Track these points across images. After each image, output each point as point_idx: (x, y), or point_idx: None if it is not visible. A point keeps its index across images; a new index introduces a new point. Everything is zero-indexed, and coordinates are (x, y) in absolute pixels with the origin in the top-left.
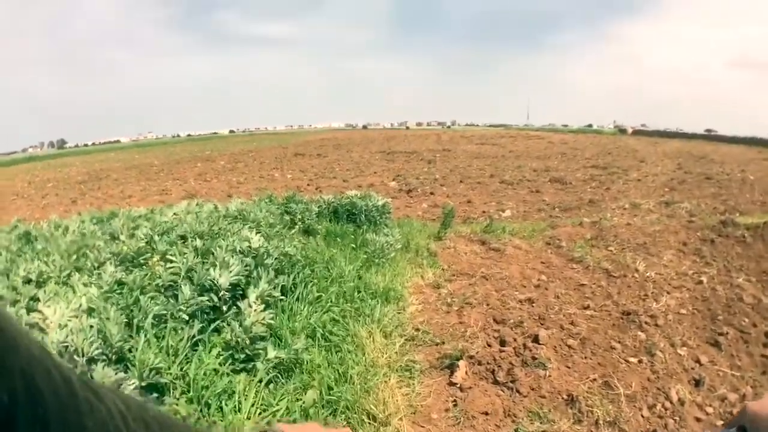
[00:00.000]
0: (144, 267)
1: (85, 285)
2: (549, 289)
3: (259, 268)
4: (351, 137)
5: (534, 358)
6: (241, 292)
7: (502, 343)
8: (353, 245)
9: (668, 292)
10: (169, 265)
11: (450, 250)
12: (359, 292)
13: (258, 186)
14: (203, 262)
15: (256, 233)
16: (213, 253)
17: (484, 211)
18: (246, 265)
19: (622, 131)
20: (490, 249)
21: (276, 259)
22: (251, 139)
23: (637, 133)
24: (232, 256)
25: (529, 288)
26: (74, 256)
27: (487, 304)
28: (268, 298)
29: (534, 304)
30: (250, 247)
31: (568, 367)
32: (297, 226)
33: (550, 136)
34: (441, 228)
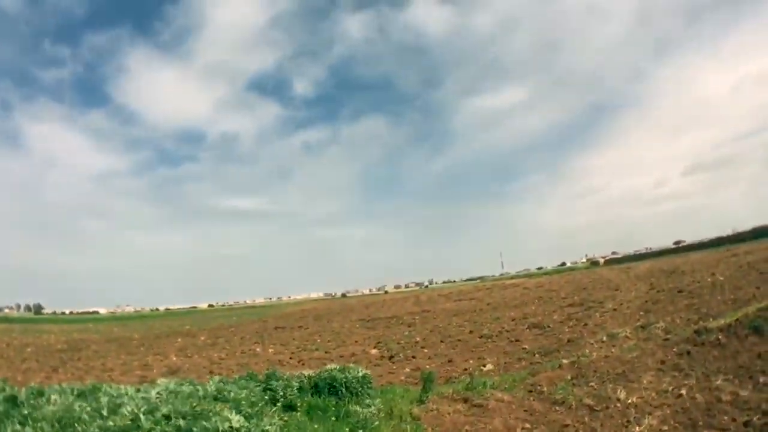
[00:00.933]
0: None
1: None
2: None
3: None
4: (330, 307)
5: None
6: None
7: None
8: (335, 417)
9: (650, 413)
10: None
11: (433, 412)
12: None
13: (240, 362)
14: None
15: (237, 413)
16: None
17: (465, 369)
18: None
19: (594, 263)
20: (472, 406)
21: None
22: (231, 312)
23: (609, 262)
24: None
25: None
26: (59, 427)
27: None
28: None
29: None
30: (231, 427)
31: None
32: (279, 402)
33: (525, 281)
34: (422, 392)
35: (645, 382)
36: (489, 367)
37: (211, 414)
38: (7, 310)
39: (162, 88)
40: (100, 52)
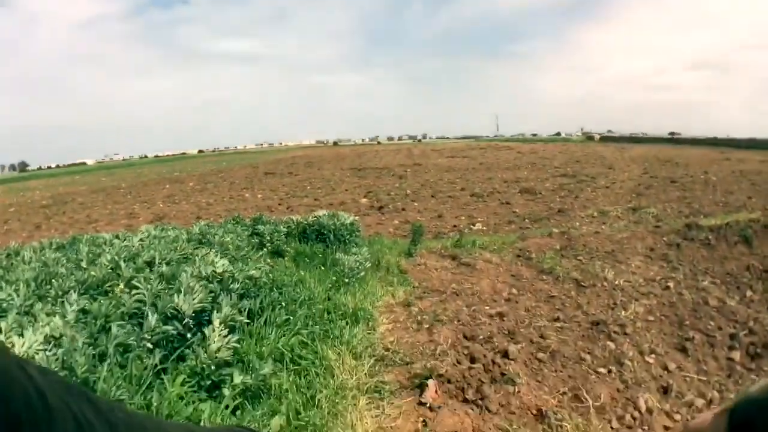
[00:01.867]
0: (109, 295)
1: (48, 314)
2: (519, 302)
3: (224, 293)
4: (322, 154)
5: (503, 374)
6: (207, 318)
7: (472, 359)
8: (323, 265)
9: (636, 300)
10: (134, 292)
11: (421, 266)
12: (329, 313)
13: (228, 207)
14: (169, 288)
15: (222, 257)
16: (178, 279)
17: (455, 226)
18: (211, 291)
19: (590, 138)
20: (460, 264)
21: (241, 283)
22: (220, 158)
23: (604, 139)
24: (198, 282)
25: (499, 302)
26: (36, 285)
27: (458, 320)
28: (233, 323)
29: (504, 319)
30: (215, 272)
31: (538, 382)
32: (266, 248)
33: (519, 146)
34: (411, 245)
35: (633, 266)
36: (478, 226)
37: (195, 259)
38: None
39: None
40: None
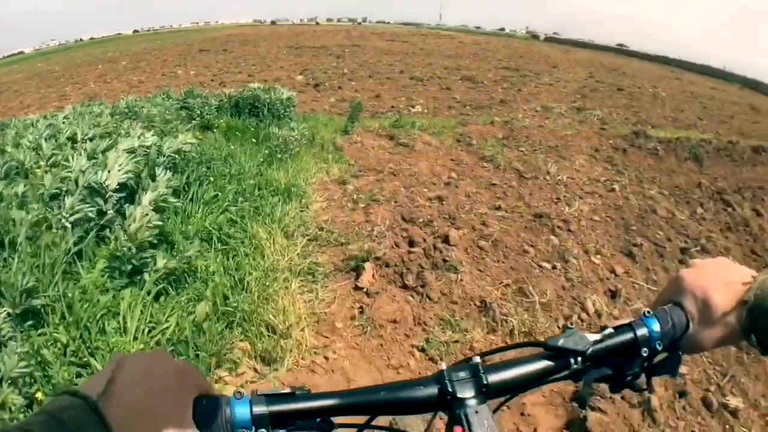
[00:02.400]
0: (29, 177)
1: None
2: (459, 187)
3: (149, 168)
4: (258, 33)
5: (445, 261)
6: (133, 198)
7: (411, 243)
8: (255, 140)
9: (581, 198)
10: (56, 171)
11: (357, 144)
12: (260, 189)
13: (159, 84)
14: (94, 165)
15: (149, 131)
16: (104, 155)
17: (393, 106)
18: (136, 162)
19: (535, 37)
20: (398, 144)
21: (168, 157)
22: (155, 37)
23: (549, 40)
24: (124, 156)
25: (438, 186)
26: None
27: (395, 202)
28: (161, 203)
29: (444, 203)
30: (143, 145)
31: (480, 271)
32: (195, 122)
33: (462, 36)
34: (348, 122)
35: (577, 164)
36: (417, 108)
37: (121, 132)
38: None
39: None
40: None
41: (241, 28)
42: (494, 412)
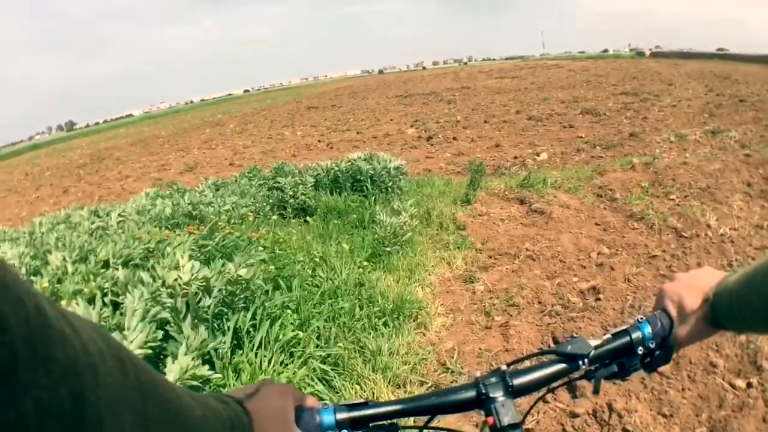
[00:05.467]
0: None
1: None
2: (615, 268)
3: (192, 312)
4: (367, 84)
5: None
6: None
7: (573, 391)
8: (358, 224)
9: (752, 258)
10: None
11: (482, 218)
12: (360, 308)
13: (265, 149)
14: (116, 311)
15: (200, 249)
16: (128, 296)
17: (516, 157)
18: (171, 310)
19: (640, 54)
20: (531, 211)
21: (223, 290)
22: (265, 96)
23: (654, 55)
24: (153, 300)
25: (589, 268)
26: None
27: (539, 302)
28: (206, 355)
29: (600, 297)
30: (179, 279)
31: (666, 417)
32: (288, 205)
33: (569, 64)
34: (469, 189)
35: (735, 207)
36: (543, 156)
37: (162, 255)
38: (38, 137)
39: None
40: None
41: (349, 80)
42: (529, 411)
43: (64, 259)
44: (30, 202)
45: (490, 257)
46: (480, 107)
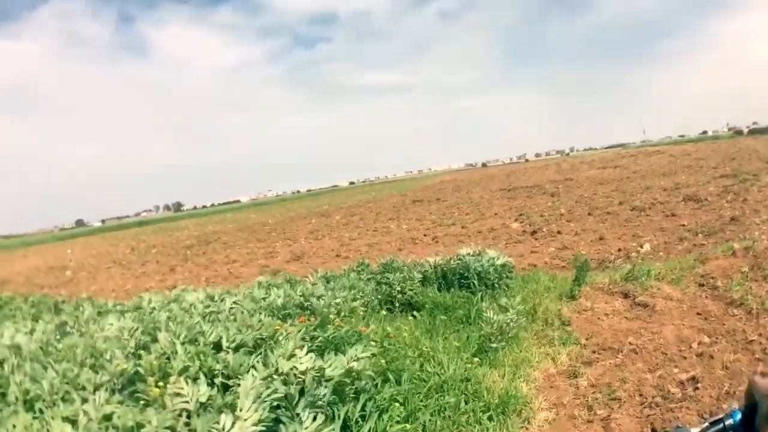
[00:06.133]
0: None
1: (65, 419)
2: (714, 357)
3: (304, 399)
4: (471, 177)
5: None
6: None
7: None
8: (465, 321)
9: None
10: (176, 400)
11: (587, 313)
12: (466, 403)
13: (370, 241)
14: (227, 390)
15: (312, 339)
16: (241, 379)
17: (620, 249)
18: (285, 395)
19: (738, 133)
20: (635, 304)
21: (335, 381)
22: (370, 189)
23: (752, 132)
24: (266, 385)
25: (690, 359)
26: (80, 366)
27: (640, 395)
28: None
29: (699, 386)
30: (294, 369)
31: None
32: (396, 300)
33: (670, 149)
34: (574, 284)
35: None
36: (647, 247)
37: (273, 342)
38: (144, 214)
39: None
40: None
41: (453, 173)
42: None
43: (174, 337)
44: (135, 276)
45: (594, 352)
46: (583, 199)
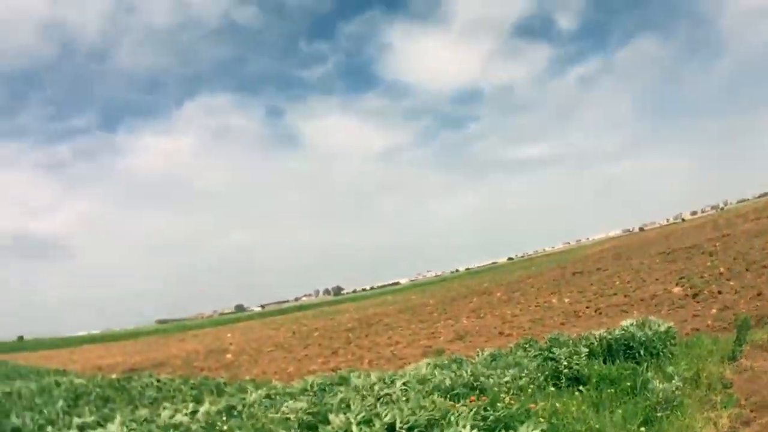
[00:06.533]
0: None
1: None
2: None
3: None
4: (629, 243)
5: None
6: None
7: None
8: (631, 392)
9: None
10: None
11: (747, 373)
12: None
13: (533, 317)
14: None
15: (483, 419)
16: None
17: None
18: None
19: None
20: None
21: None
22: (529, 263)
23: None
24: None
25: None
26: None
27: None
28: None
29: None
30: None
31: None
32: (562, 375)
33: None
34: (735, 345)
35: None
36: None
37: (445, 423)
38: (305, 298)
39: (428, 56)
40: (358, 38)
41: (611, 240)
42: None
43: (347, 420)
44: (297, 359)
45: (752, 410)
46: (741, 255)
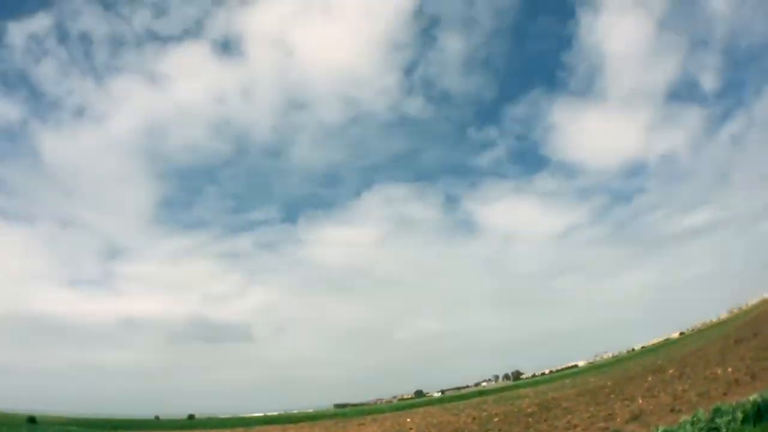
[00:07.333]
0: None
1: None
2: None
3: None
4: None
5: None
6: None
7: None
8: None
9: None
10: None
11: None
12: None
13: (700, 391)
14: None
15: None
16: None
17: None
18: None
19: None
20: None
21: None
22: (699, 336)
23: None
24: None
25: None
26: None
27: None
28: None
29: None
30: None
31: None
32: None
33: None
34: None
35: None
36: None
37: None
38: (484, 384)
39: (590, 133)
40: (524, 120)
41: None
42: None
43: None
44: None
45: None
46: None
